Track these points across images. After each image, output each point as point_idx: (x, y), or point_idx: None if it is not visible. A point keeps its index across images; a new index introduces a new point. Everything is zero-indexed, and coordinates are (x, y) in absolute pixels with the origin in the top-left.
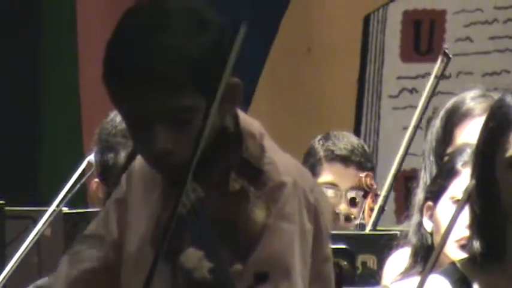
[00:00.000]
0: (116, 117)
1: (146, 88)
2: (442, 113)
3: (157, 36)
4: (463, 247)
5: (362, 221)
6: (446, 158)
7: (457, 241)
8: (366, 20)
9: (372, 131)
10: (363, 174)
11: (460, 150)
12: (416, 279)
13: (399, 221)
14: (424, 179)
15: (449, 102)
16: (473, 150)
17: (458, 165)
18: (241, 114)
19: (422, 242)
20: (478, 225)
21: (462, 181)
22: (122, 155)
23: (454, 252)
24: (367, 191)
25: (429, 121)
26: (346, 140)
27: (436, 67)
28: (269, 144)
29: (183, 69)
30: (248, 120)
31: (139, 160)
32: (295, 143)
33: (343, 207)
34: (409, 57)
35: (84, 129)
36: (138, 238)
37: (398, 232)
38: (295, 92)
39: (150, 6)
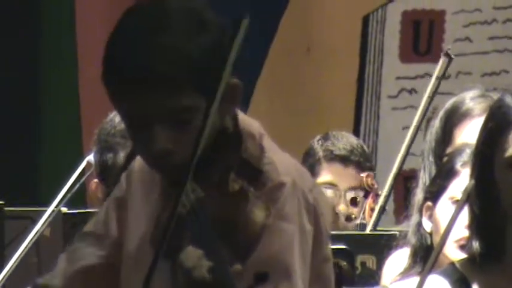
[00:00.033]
0: (115, 118)
1: (146, 88)
2: (441, 113)
3: (157, 36)
4: (462, 247)
5: (363, 221)
6: (445, 158)
7: (457, 241)
8: (365, 21)
9: (371, 131)
10: (364, 174)
11: (459, 151)
12: (416, 279)
13: (398, 221)
14: (424, 179)
15: (449, 103)
16: (473, 150)
17: (458, 166)
18: (241, 115)
19: (421, 242)
20: (477, 226)
21: (461, 181)
22: (121, 155)
23: (453, 253)
24: (368, 191)
25: (428, 121)
26: (345, 140)
27: (438, 67)
28: (268, 144)
29: (183, 69)
30: (247, 121)
31: (139, 160)
32: (294, 143)
33: (342, 207)
34: (408, 57)
35: (83, 129)
36: (138, 238)
37: (397, 232)
38: (295, 92)
39: (150, 6)
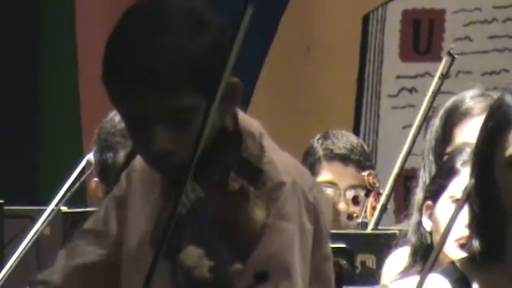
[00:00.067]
0: (115, 117)
1: (146, 88)
2: (441, 113)
3: (157, 36)
4: (462, 246)
5: (364, 220)
6: (445, 157)
7: (457, 240)
8: (365, 20)
9: (371, 130)
10: (365, 173)
11: (459, 150)
12: (416, 278)
13: (398, 220)
14: (424, 178)
15: (449, 102)
16: (473, 149)
17: (458, 165)
18: (241, 114)
19: (421, 241)
20: (477, 225)
21: (461, 180)
22: (121, 154)
23: (453, 252)
24: (369, 190)
25: (428, 120)
26: (345, 139)
27: (441, 67)
28: (268, 143)
29: (183, 69)
30: (247, 120)
31: (139, 160)
32: (294, 142)
33: (342, 206)
34: (408, 56)
35: (83, 129)
36: (138, 237)
37: (397, 231)
38: (295, 91)
39: (150, 6)
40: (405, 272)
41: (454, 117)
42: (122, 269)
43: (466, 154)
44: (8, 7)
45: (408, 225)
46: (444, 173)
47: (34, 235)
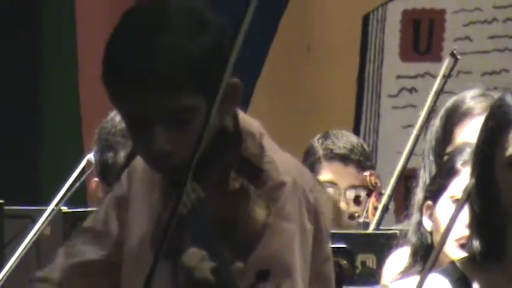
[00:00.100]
0: (115, 117)
1: (146, 88)
2: (441, 112)
3: (157, 36)
4: (462, 246)
5: (366, 220)
6: (446, 157)
7: (457, 240)
8: (365, 20)
9: (371, 130)
10: (367, 173)
11: (459, 150)
12: (416, 278)
13: (399, 220)
14: (424, 178)
15: (449, 102)
16: (473, 149)
17: (458, 165)
18: (241, 114)
19: (421, 241)
20: (477, 225)
21: (462, 180)
22: (121, 154)
23: (453, 252)
24: (371, 190)
25: (429, 120)
26: (345, 139)
27: (443, 68)
28: (269, 143)
29: (183, 69)
30: (248, 120)
31: (139, 160)
32: (294, 142)
33: (342, 206)
34: (408, 56)
35: (84, 129)
36: (139, 238)
37: (397, 231)
38: (295, 91)
39: (150, 6)
40: (405, 272)
41: (454, 117)
42: (123, 269)
43: (467, 154)
44: (8, 7)
45: (408, 225)
46: (444, 173)
47: (34, 235)
